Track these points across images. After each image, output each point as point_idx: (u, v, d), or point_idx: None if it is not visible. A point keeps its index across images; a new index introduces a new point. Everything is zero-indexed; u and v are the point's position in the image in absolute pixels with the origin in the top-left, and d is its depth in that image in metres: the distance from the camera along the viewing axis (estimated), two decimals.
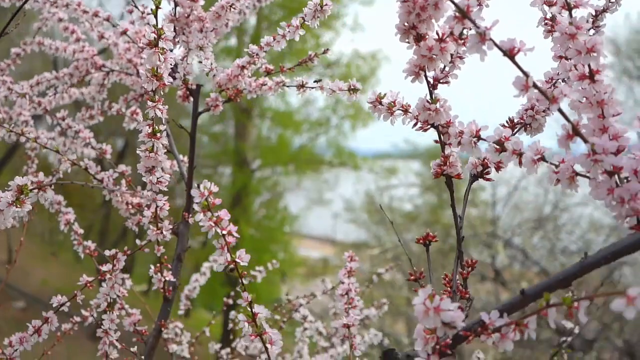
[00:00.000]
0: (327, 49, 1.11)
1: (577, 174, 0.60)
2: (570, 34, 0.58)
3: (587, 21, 0.79)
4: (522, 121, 0.76)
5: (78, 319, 1.21)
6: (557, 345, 1.18)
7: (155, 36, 0.76)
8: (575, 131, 0.57)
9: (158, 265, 1.04)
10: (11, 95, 1.23)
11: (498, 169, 0.74)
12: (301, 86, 1.02)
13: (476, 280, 7.36)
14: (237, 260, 0.69)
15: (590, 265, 0.55)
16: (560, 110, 0.57)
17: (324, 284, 1.60)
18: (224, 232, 0.68)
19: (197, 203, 0.67)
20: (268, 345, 0.71)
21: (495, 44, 0.56)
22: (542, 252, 6.65)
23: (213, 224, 0.68)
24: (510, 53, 0.56)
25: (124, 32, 1.05)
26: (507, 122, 0.77)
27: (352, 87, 0.92)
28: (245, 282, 0.72)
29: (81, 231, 1.19)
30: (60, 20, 1.29)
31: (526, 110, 0.76)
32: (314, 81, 1.00)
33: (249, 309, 0.71)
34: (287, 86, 1.04)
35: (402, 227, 8.79)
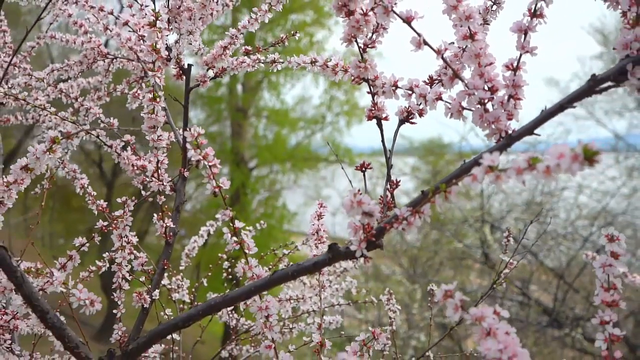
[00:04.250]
0: (296, 32, 1.34)
1: (464, 108, 0.83)
2: (452, 6, 0.80)
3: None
4: (439, 78, 0.98)
5: (93, 268, 1.42)
6: (497, 274, 1.40)
7: (154, 18, 0.98)
8: (455, 75, 0.79)
9: (160, 213, 1.26)
10: (30, 80, 1.45)
11: (421, 114, 0.97)
12: (273, 62, 1.25)
13: (468, 265, 7.59)
14: (220, 184, 0.91)
15: (467, 168, 0.77)
16: (444, 60, 0.79)
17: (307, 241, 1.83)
18: (211, 164, 0.90)
19: (188, 142, 0.90)
20: (246, 251, 0.94)
21: (396, 14, 0.78)
22: (531, 235, 6.88)
23: (202, 158, 0.90)
24: (408, 20, 0.78)
25: (126, 23, 1.27)
26: (427, 78, 0.99)
27: (313, 60, 1.14)
28: (228, 203, 0.94)
29: (94, 193, 1.40)
30: (70, 15, 1.51)
31: (442, 69, 0.98)
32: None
33: (231, 224, 0.94)
34: (263, 62, 1.27)
35: None
